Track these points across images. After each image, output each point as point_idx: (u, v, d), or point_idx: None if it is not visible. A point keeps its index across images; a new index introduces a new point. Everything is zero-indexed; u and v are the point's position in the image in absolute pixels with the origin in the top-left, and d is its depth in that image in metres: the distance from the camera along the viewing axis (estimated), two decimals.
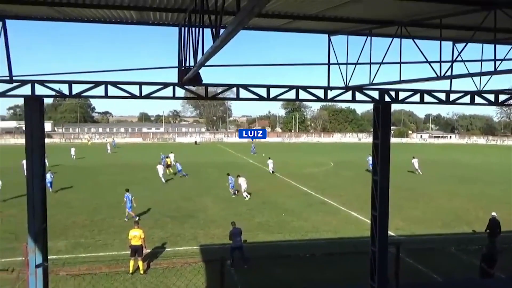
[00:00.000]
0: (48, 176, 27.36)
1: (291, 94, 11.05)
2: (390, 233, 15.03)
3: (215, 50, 6.16)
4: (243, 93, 10.76)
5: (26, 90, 9.96)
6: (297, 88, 11.00)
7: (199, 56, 7.53)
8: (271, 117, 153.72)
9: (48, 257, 10.66)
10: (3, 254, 15.75)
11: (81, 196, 28.09)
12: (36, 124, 9.82)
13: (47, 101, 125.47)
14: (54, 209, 21.87)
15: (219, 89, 12.42)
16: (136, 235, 15.13)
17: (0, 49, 10.47)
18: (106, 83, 10.13)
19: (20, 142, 77.40)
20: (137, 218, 21.29)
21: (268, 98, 10.77)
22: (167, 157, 40.82)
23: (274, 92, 10.83)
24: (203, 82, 10.18)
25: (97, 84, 10.12)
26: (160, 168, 35.64)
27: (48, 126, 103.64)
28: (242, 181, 28.49)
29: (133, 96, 10.34)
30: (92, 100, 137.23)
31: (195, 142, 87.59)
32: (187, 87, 10.73)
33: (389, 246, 11.48)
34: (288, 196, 29.50)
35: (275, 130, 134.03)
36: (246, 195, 27.95)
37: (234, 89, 10.81)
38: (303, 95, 11.10)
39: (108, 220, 21.93)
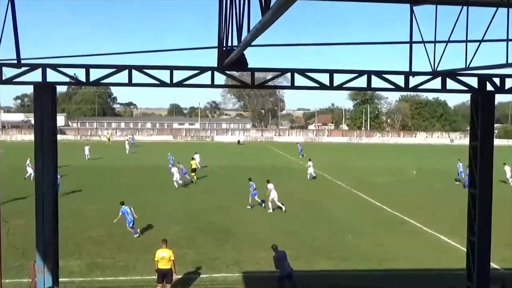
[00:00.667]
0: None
1: (361, 81, 10.93)
2: (493, 265, 14.50)
3: (264, 25, 6.18)
4: (299, 80, 10.75)
5: (36, 76, 10.43)
6: (369, 73, 10.85)
7: (244, 34, 7.58)
8: (335, 110, 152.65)
9: (59, 279, 11.11)
10: (8, 273, 16.51)
11: (97, 206, 29.07)
12: (47, 117, 10.26)
13: (60, 89, 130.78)
14: (66, 221, 22.73)
15: (269, 75, 12.50)
16: (164, 257, 15.46)
17: (6, 28, 11.05)
18: (130, 68, 10.43)
19: (28, 139, 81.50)
20: (136, 234, 22.12)
21: (331, 87, 10.71)
22: (193, 158, 42.35)
23: (338, 78, 10.76)
24: (249, 66, 10.24)
25: (119, 68, 10.44)
26: (175, 171, 36.58)
27: (61, 120, 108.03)
28: (272, 189, 28.72)
29: (162, 84, 10.59)
30: (113, 89, 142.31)
31: (238, 141, 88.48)
32: (228, 72, 10.85)
33: (492, 282, 11.09)
34: (354, 211, 29.13)
35: (339, 128, 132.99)
36: (274, 206, 28.30)
37: (288, 75, 10.82)
38: (376, 82, 10.94)
39: (130, 236, 22.55)
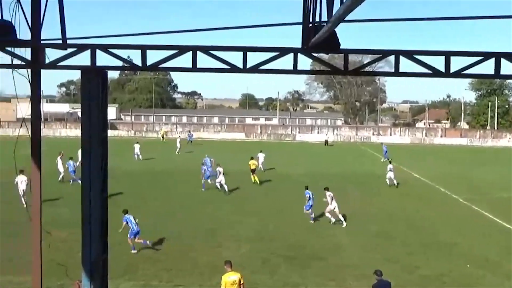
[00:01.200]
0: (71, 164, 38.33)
1: (487, 67, 10.55)
2: None
3: None
4: (406, 65, 10.52)
5: (83, 58, 10.80)
6: (498, 56, 10.45)
7: (336, 7, 7.51)
8: (452, 104, 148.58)
9: None
10: None
11: (152, 219, 29.83)
12: (96, 108, 10.61)
13: (112, 75, 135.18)
14: (119, 235, 23.52)
15: (367, 58, 12.35)
16: (235, 281, 15.65)
17: (50, 2, 11.57)
18: (194, 49, 10.59)
19: (74, 134, 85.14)
20: (145, 243, 23.22)
21: (447, 74, 10.40)
22: (252, 158, 43.98)
23: (457, 62, 10.43)
24: (341, 47, 10.13)
25: (181, 50, 10.62)
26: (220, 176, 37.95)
27: (112, 113, 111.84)
28: (329, 198, 29.33)
29: (233, 69, 10.67)
30: (173, 75, 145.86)
31: (326, 142, 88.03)
32: (315, 54, 10.78)
33: None
34: (475, 234, 28.23)
35: (457, 126, 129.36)
36: (336, 218, 29.03)
37: (391, 58, 10.60)
38: (508, 67, 10.53)
39: (193, 255, 23.00)
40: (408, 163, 59.32)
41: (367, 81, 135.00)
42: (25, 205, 30.63)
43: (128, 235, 23.34)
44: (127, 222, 23.55)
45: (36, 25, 11.66)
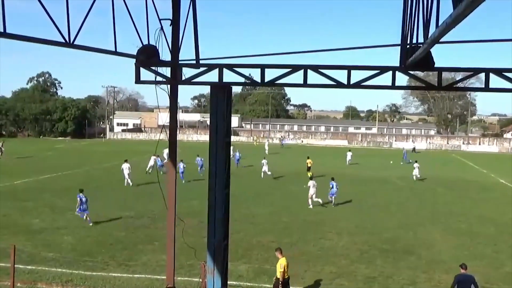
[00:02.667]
0: (181, 166, 38.66)
1: None
2: None
3: (456, 20, 5.86)
4: (496, 81, 10.02)
5: (213, 76, 11.15)
6: None
7: (432, 29, 7.28)
8: None
9: (228, 282, 11.72)
10: (180, 271, 17.95)
11: (268, 210, 30.19)
12: (222, 118, 10.88)
13: (235, 90, 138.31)
14: (237, 224, 23.98)
15: (459, 76, 11.86)
16: (287, 265, 15.48)
17: (187, 28, 11.98)
18: (305, 67, 10.64)
19: (203, 139, 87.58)
20: (90, 223, 25.21)
21: None
22: (308, 157, 46.52)
23: None
24: (435, 65, 9.82)
25: (294, 68, 10.71)
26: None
27: (235, 121, 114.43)
28: (312, 185, 31.02)
29: (339, 85, 10.62)
30: (287, 90, 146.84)
31: (413, 149, 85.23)
32: (412, 72, 10.52)
33: None
34: None
35: None
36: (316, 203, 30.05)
37: (482, 75, 10.14)
38: None
39: (300, 245, 23.02)
40: (496, 170, 56.36)
41: (459, 95, 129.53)
42: (131, 184, 37.82)
43: (77, 210, 25.72)
44: (80, 199, 25.58)
45: (175, 48, 12.13)
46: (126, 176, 38.16)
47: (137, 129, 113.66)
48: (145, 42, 11.64)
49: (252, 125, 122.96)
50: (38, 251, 20.35)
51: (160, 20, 11.85)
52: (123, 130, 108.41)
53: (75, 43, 9.21)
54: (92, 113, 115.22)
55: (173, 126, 12.98)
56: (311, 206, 31.34)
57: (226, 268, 11.63)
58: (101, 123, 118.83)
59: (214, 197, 11.02)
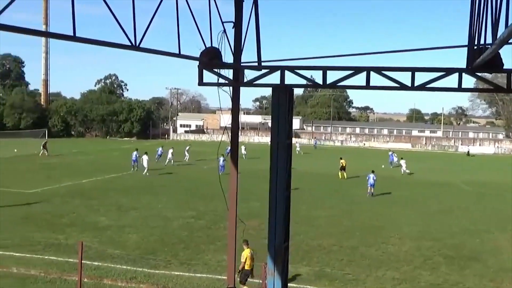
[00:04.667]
0: (221, 161, 41.18)
1: None
2: None
3: None
4: None
5: (274, 78, 11.17)
6: None
7: (501, 30, 7.05)
8: None
9: (289, 284, 11.71)
10: None
11: (328, 213, 29.99)
12: (283, 120, 10.89)
13: (297, 92, 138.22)
14: (298, 226, 23.96)
15: None
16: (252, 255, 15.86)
17: (249, 30, 12.08)
18: (368, 70, 10.51)
19: (264, 141, 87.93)
20: None
21: None
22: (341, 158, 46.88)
23: None
24: (505, 67, 9.49)
25: (357, 70, 10.59)
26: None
27: (296, 123, 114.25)
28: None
29: (402, 87, 10.44)
30: (349, 92, 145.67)
31: (467, 152, 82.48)
32: (479, 74, 10.22)
33: None
34: None
35: None
36: None
37: None
38: None
39: (361, 248, 22.74)
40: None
41: None
42: (147, 174, 43.08)
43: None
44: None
45: (237, 50, 12.26)
46: (146, 166, 44.31)
47: (200, 130, 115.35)
48: (208, 45, 11.80)
49: (313, 127, 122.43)
50: (104, 248, 21.00)
51: (223, 22, 12.00)
52: (186, 131, 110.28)
53: (140, 46, 9.44)
54: (156, 115, 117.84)
55: (235, 127, 13.10)
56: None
57: (287, 270, 11.61)
58: (164, 124, 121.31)
59: (275, 199, 11.03)
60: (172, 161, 52.32)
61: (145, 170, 44.22)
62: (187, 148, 58.33)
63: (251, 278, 16.64)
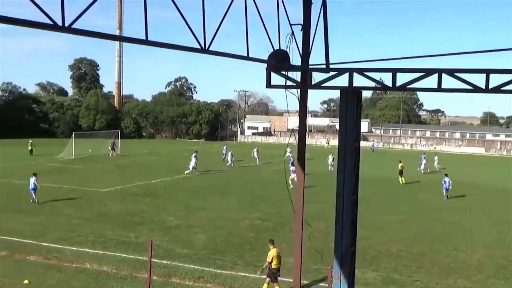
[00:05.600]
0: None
1: None
2: None
3: None
4: None
5: (342, 80, 11.09)
6: None
7: None
8: None
9: None
10: (306, 275, 18.03)
11: (396, 218, 29.37)
12: (351, 123, 10.78)
13: (365, 94, 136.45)
14: (365, 231, 23.58)
15: None
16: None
17: (317, 33, 12.03)
18: (440, 71, 10.26)
19: (332, 144, 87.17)
20: (36, 201, 30.12)
21: None
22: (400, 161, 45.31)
23: None
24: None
25: (428, 72, 10.35)
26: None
27: (364, 126, 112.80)
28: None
29: (476, 89, 10.12)
30: (419, 94, 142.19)
31: None
32: None
33: None
34: None
35: None
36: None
37: None
38: None
39: (431, 255, 22.14)
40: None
41: None
42: (195, 172, 45.09)
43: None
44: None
45: (305, 53, 12.24)
46: (192, 165, 45.80)
47: (267, 132, 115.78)
48: (276, 47, 11.84)
49: (382, 130, 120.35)
50: (173, 247, 21.45)
51: (291, 25, 12.02)
52: (253, 134, 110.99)
53: (210, 49, 9.59)
54: (224, 117, 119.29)
55: (302, 130, 13.08)
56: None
57: (353, 274, 11.48)
58: (232, 126, 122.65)
59: (342, 202, 10.93)
60: (232, 163, 52.74)
61: (189, 170, 45.37)
62: (255, 150, 58.38)
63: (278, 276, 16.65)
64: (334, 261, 11.14)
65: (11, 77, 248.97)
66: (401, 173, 44.61)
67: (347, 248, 10.96)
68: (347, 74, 10.98)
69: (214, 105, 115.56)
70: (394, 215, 30.29)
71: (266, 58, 11.89)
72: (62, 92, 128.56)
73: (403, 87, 10.76)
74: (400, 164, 45.26)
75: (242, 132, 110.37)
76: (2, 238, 22.02)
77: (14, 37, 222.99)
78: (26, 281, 17.02)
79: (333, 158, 47.32)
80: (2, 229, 23.41)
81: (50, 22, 7.09)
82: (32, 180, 30.49)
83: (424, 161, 54.14)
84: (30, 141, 61.39)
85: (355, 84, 11.00)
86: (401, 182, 43.90)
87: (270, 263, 16.35)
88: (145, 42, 8.51)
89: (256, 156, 57.17)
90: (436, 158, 58.12)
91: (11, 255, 19.99)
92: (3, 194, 32.63)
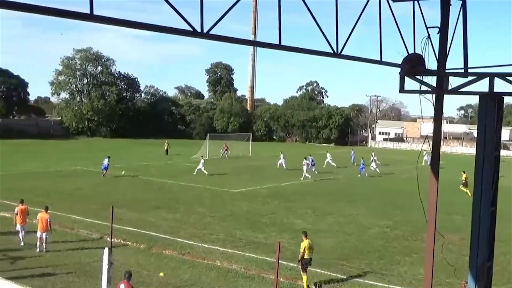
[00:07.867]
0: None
1: None
2: None
3: None
4: None
5: (482, 85, 10.49)
6: None
7: None
8: None
9: None
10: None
11: None
12: (491, 130, 10.16)
13: (508, 100, 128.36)
14: (504, 246, 22.10)
15: None
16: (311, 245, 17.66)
17: (456, 38, 11.51)
18: None
19: (468, 152, 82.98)
20: None
21: None
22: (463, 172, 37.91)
23: None
24: None
25: None
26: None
27: (505, 134, 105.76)
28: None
29: None
30: None
31: None
32: None
33: None
34: None
35: None
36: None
37: None
38: None
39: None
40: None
41: None
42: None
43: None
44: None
45: (442, 57, 11.74)
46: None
47: (399, 138, 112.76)
48: (411, 51, 11.49)
49: None
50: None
51: (427, 28, 11.59)
52: (384, 139, 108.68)
53: (342, 53, 9.53)
54: (355, 122, 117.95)
55: (437, 137, 12.56)
56: None
57: None
58: (363, 131, 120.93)
59: (479, 214, 10.34)
60: (377, 168, 51.43)
61: (304, 177, 44.64)
62: (373, 157, 53.80)
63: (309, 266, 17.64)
64: (469, 275, 10.55)
65: (153, 81, 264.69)
66: (465, 184, 39.40)
67: (483, 263, 10.35)
68: (487, 79, 10.37)
69: (345, 109, 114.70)
70: None
71: (400, 62, 11.57)
72: (199, 95, 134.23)
73: None
74: (464, 175, 39.81)
75: (373, 138, 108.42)
76: (143, 232, 23.53)
77: (155, 44, 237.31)
78: (162, 274, 18.02)
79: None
80: (144, 224, 25.00)
81: (190, 29, 7.45)
82: (106, 161, 41.37)
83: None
84: (166, 141, 65.20)
85: (496, 89, 10.36)
86: (470, 194, 39.88)
87: (304, 253, 17.43)
88: (279, 46, 8.65)
89: (373, 162, 52.69)
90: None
91: (150, 249, 21.28)
92: (148, 191, 34.99)
